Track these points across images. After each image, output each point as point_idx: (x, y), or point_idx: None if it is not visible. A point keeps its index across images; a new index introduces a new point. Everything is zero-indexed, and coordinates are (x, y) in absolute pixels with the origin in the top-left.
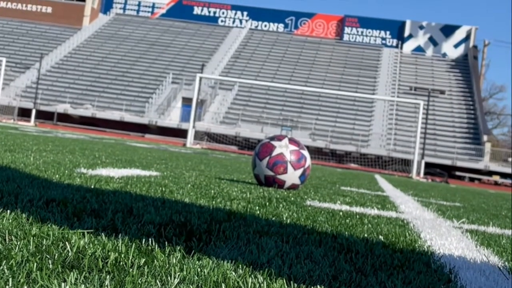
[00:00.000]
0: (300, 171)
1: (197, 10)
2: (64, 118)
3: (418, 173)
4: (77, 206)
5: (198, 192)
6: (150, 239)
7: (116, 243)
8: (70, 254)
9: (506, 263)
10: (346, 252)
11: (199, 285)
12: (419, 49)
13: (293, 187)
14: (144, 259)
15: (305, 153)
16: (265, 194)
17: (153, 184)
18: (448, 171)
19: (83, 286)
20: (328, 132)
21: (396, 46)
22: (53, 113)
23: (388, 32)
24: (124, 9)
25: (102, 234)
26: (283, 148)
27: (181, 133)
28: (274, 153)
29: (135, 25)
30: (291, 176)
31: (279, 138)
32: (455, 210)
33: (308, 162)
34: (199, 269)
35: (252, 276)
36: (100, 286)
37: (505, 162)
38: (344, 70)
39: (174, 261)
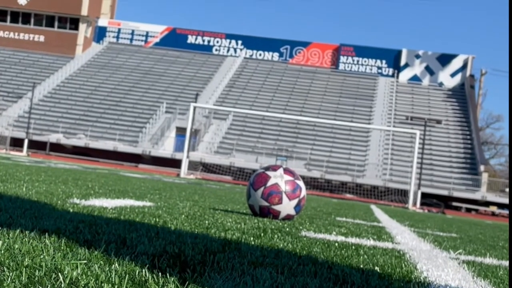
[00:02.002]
0: (295, 202)
1: (191, 39)
2: (57, 148)
3: (414, 204)
4: (70, 237)
5: (192, 222)
6: (143, 270)
7: (109, 274)
8: (63, 285)
9: None
10: (342, 284)
11: None
12: (415, 78)
13: (288, 217)
14: None
15: (300, 183)
16: (260, 224)
17: (147, 214)
18: (444, 202)
19: None
20: (323, 162)
21: (392, 75)
22: (46, 143)
23: (384, 61)
24: (118, 37)
25: (95, 265)
26: (278, 178)
27: (175, 163)
28: (269, 183)
29: (128, 54)
30: (286, 207)
31: (274, 168)
32: (451, 241)
33: (303, 192)
34: None
35: None
36: None
37: (502, 193)
38: (339, 99)
39: None
